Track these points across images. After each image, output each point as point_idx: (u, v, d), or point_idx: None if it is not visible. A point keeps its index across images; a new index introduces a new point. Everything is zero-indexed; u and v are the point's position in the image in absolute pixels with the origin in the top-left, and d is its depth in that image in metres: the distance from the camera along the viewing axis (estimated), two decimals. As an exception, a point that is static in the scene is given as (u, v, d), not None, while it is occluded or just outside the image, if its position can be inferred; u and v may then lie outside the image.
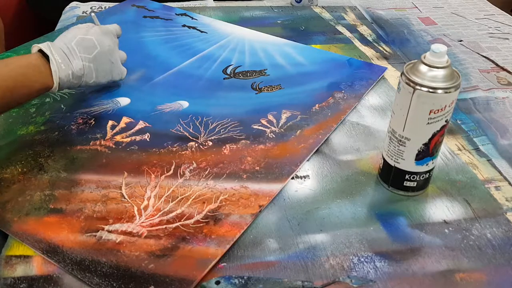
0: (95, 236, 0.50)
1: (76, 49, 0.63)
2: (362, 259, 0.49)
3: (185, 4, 1.12)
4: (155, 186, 0.57)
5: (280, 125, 0.68)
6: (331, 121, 0.69)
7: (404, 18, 1.06)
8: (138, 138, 0.65)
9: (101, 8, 1.07)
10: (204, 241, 0.50)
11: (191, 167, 0.60)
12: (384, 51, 0.92)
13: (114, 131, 0.66)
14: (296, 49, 0.89)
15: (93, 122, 0.68)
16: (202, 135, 0.66)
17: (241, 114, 0.70)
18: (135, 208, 0.54)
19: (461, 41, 0.96)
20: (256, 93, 0.76)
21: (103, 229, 0.51)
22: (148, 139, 0.65)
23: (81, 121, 0.68)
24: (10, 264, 0.48)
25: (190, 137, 0.65)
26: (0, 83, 0.55)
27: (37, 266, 0.47)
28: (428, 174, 0.56)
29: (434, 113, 0.50)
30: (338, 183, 0.59)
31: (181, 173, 0.59)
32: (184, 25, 0.98)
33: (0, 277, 0.46)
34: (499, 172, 0.62)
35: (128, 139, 0.65)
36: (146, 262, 0.47)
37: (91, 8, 1.07)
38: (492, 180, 0.61)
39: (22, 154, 0.61)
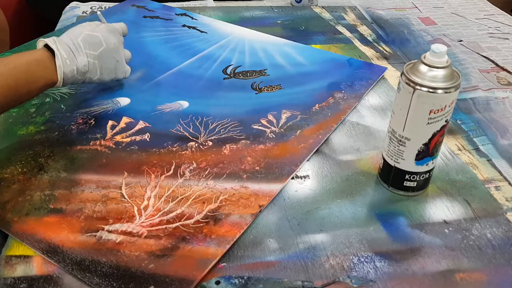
0: (95, 236, 0.50)
1: (82, 45, 0.63)
2: (362, 259, 0.49)
3: (185, 4, 1.12)
4: (155, 186, 0.57)
5: (280, 125, 0.68)
6: (331, 121, 0.69)
7: (404, 18, 1.06)
8: (138, 138, 0.65)
9: (101, 8, 1.07)
10: (204, 241, 0.50)
11: (191, 167, 0.60)
12: (384, 51, 0.92)
13: (114, 131, 0.66)
14: (296, 49, 0.89)
15: (93, 122, 0.68)
16: (202, 135, 0.66)
17: (241, 114, 0.70)
18: (135, 208, 0.54)
19: (461, 41, 0.96)
20: (256, 93, 0.76)
21: (103, 229, 0.51)
22: (148, 139, 0.65)
23: (81, 121, 0.68)
24: (10, 264, 0.48)
25: (190, 137, 0.65)
26: (5, 81, 0.55)
27: (37, 266, 0.47)
28: (428, 174, 0.56)
29: (434, 113, 0.50)
30: (338, 183, 0.59)
31: (181, 173, 0.59)
32: (184, 25, 0.98)
33: (0, 277, 0.46)
34: (499, 172, 0.62)
35: (128, 139, 0.65)
36: (146, 262, 0.47)
37: (91, 8, 1.07)
38: (492, 180, 0.61)
39: (22, 154, 0.61)
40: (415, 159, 0.54)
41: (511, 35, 0.99)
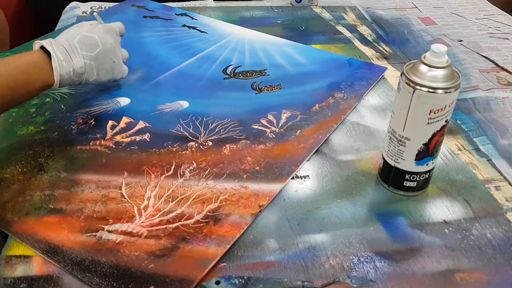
0: (95, 236, 0.50)
1: (78, 46, 0.63)
2: (362, 259, 0.49)
3: (185, 4, 1.12)
4: (155, 186, 0.57)
5: (280, 125, 0.68)
6: (331, 121, 0.69)
7: (404, 18, 1.06)
8: (138, 138, 0.65)
9: (101, 8, 1.07)
10: (204, 241, 0.50)
11: (191, 167, 0.60)
12: (384, 51, 0.92)
13: (114, 131, 0.66)
14: (296, 49, 0.89)
15: (93, 122, 0.68)
16: (202, 135, 0.66)
17: (241, 114, 0.70)
18: (135, 208, 0.54)
19: (461, 41, 0.96)
20: (256, 93, 0.76)
21: (103, 229, 0.51)
22: (148, 139, 0.65)
23: (81, 121, 0.68)
24: (10, 264, 0.48)
25: (190, 137, 0.65)
26: (4, 81, 0.55)
27: (37, 266, 0.47)
28: (428, 174, 0.56)
29: (434, 113, 0.50)
30: (338, 183, 0.59)
31: (181, 173, 0.59)
32: (184, 25, 0.98)
33: (0, 277, 0.46)
34: (499, 172, 0.62)
35: (128, 139, 0.65)
36: (146, 262, 0.47)
37: (91, 8, 1.07)
38: (492, 180, 0.61)
39: (22, 154, 0.61)
40: (415, 159, 0.54)
41: (511, 35, 0.99)
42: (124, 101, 0.73)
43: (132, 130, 0.66)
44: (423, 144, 0.53)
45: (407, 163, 0.55)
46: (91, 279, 0.46)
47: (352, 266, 0.48)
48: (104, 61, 0.67)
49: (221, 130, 0.67)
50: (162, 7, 1.06)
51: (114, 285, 0.45)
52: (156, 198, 0.55)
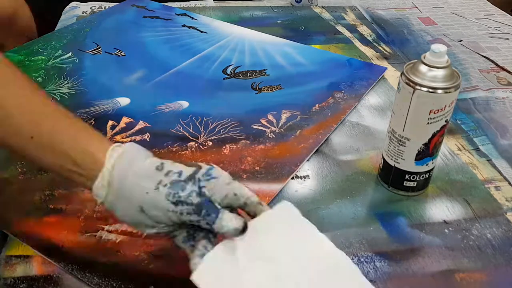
0: (95, 236, 0.50)
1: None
2: (362, 259, 0.49)
3: (185, 4, 1.12)
4: (155, 186, 0.57)
5: (280, 125, 0.68)
6: (331, 121, 0.69)
7: (404, 18, 1.06)
8: (138, 138, 0.65)
9: (101, 8, 1.06)
10: (204, 241, 0.50)
11: (191, 167, 0.60)
12: (384, 51, 0.92)
13: (114, 131, 0.66)
14: (296, 49, 0.89)
15: (93, 122, 0.68)
16: (202, 135, 0.66)
17: (241, 114, 0.70)
18: (135, 208, 0.53)
19: (461, 41, 0.96)
20: (256, 93, 0.76)
21: (103, 229, 0.51)
22: (148, 139, 0.65)
23: (81, 121, 0.68)
24: (10, 264, 0.48)
25: (190, 137, 0.65)
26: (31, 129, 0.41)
27: (37, 266, 0.47)
28: (428, 174, 0.56)
29: (434, 113, 0.50)
30: (338, 183, 0.59)
31: (181, 173, 0.59)
32: (184, 25, 0.98)
33: (0, 277, 0.46)
34: (499, 172, 0.62)
35: (128, 139, 0.65)
36: (146, 262, 0.47)
37: (91, 8, 1.07)
38: (492, 180, 0.61)
39: (22, 154, 0.61)
40: (415, 159, 0.54)
41: (511, 35, 0.99)
42: (124, 101, 0.73)
43: (132, 130, 0.66)
44: (423, 144, 0.53)
45: (407, 163, 0.55)
46: (91, 279, 0.46)
47: (352, 266, 0.48)
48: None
49: (221, 130, 0.67)
50: (162, 7, 1.06)
51: (114, 285, 0.45)
52: (156, 198, 0.55)
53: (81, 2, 1.09)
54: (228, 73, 0.81)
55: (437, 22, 1.04)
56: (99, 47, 0.88)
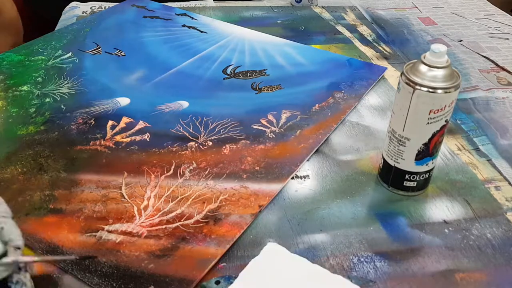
0: (95, 236, 0.50)
1: None
2: (362, 259, 0.49)
3: (185, 4, 1.12)
4: (155, 186, 0.57)
5: (280, 125, 0.68)
6: (331, 121, 0.69)
7: (404, 18, 1.06)
8: (138, 138, 0.65)
9: (101, 8, 1.07)
10: (204, 241, 0.50)
11: (191, 167, 0.60)
12: (384, 51, 0.92)
13: (114, 131, 0.66)
14: (296, 49, 0.89)
15: (93, 122, 0.68)
16: (202, 135, 0.66)
17: (241, 114, 0.70)
18: (135, 208, 0.54)
19: (461, 41, 0.96)
20: (256, 93, 0.76)
21: (103, 229, 0.51)
22: (148, 139, 0.65)
23: (81, 121, 0.68)
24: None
25: (190, 137, 0.65)
26: None
27: (37, 266, 0.47)
28: (428, 174, 0.56)
29: (434, 113, 0.50)
30: (338, 183, 0.59)
31: (181, 173, 0.59)
32: (184, 25, 0.98)
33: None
34: (499, 172, 0.62)
35: (128, 139, 0.65)
36: (146, 262, 0.47)
37: (91, 8, 1.07)
38: (492, 180, 0.61)
39: (22, 154, 0.61)
40: (415, 159, 0.54)
41: (511, 35, 0.99)
42: (124, 101, 0.73)
43: (132, 130, 0.66)
44: (423, 144, 0.53)
45: (407, 163, 0.55)
46: (91, 279, 0.46)
47: (352, 266, 0.48)
48: None
49: (221, 130, 0.67)
50: (162, 7, 1.06)
51: (114, 285, 0.45)
52: (156, 198, 0.55)
53: (81, 2, 1.09)
54: (228, 73, 0.81)
55: (437, 22, 1.04)
56: (99, 47, 0.88)
